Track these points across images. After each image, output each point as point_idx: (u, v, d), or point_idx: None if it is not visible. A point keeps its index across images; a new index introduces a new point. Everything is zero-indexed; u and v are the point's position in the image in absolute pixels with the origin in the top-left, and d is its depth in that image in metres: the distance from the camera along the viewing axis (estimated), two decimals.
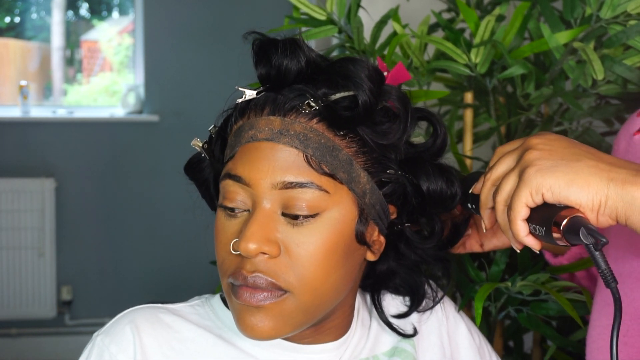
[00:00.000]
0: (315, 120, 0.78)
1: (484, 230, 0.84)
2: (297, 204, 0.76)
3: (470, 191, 0.86)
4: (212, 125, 0.87)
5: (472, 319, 1.10)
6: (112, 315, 0.86)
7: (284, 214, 0.77)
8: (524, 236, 0.73)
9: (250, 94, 0.81)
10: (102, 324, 0.84)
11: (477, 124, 1.27)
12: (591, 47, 1.08)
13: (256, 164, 0.77)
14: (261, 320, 0.77)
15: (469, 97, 1.21)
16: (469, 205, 0.88)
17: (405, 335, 0.91)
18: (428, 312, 0.94)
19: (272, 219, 0.77)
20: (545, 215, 0.71)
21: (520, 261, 1.12)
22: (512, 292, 1.09)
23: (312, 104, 0.78)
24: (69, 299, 3.61)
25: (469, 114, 1.22)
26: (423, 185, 0.83)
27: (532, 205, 0.72)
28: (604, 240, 0.68)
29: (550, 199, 0.70)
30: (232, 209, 0.79)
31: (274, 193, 0.76)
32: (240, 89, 0.83)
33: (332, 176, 0.77)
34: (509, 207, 0.73)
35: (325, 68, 0.81)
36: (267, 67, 0.80)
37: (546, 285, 1.05)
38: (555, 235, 0.70)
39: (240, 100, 0.82)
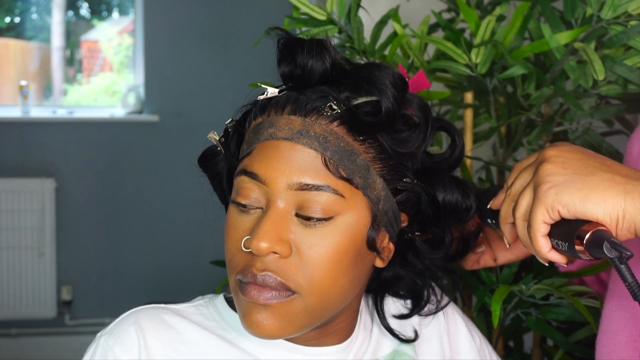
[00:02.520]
0: (335, 123, 0.78)
1: (507, 246, 0.83)
2: (311, 207, 0.76)
3: (488, 206, 0.86)
4: (230, 119, 0.86)
5: (473, 319, 1.10)
6: (112, 315, 0.86)
7: (297, 215, 0.77)
8: (547, 252, 0.73)
9: (272, 91, 0.81)
10: (102, 324, 0.84)
11: (477, 124, 1.27)
12: (592, 47, 1.07)
13: (273, 162, 0.77)
14: (267, 319, 0.76)
15: (469, 97, 1.21)
16: (489, 220, 0.88)
17: (405, 341, 0.91)
18: (430, 316, 0.94)
19: (285, 219, 0.76)
20: (566, 230, 0.71)
21: (535, 265, 1.11)
22: (524, 295, 1.08)
23: (334, 106, 0.77)
24: (69, 299, 3.61)
25: (469, 114, 1.21)
26: (439, 196, 0.83)
27: (550, 221, 0.71)
28: (629, 253, 0.67)
29: (566, 215, 0.70)
30: (245, 206, 0.78)
31: (290, 193, 0.76)
32: (262, 85, 0.82)
33: (348, 180, 0.77)
34: (528, 225, 0.72)
35: (350, 71, 0.81)
36: (292, 65, 0.80)
37: (561, 289, 1.04)
38: (578, 248, 0.70)
39: (261, 97, 0.81)
